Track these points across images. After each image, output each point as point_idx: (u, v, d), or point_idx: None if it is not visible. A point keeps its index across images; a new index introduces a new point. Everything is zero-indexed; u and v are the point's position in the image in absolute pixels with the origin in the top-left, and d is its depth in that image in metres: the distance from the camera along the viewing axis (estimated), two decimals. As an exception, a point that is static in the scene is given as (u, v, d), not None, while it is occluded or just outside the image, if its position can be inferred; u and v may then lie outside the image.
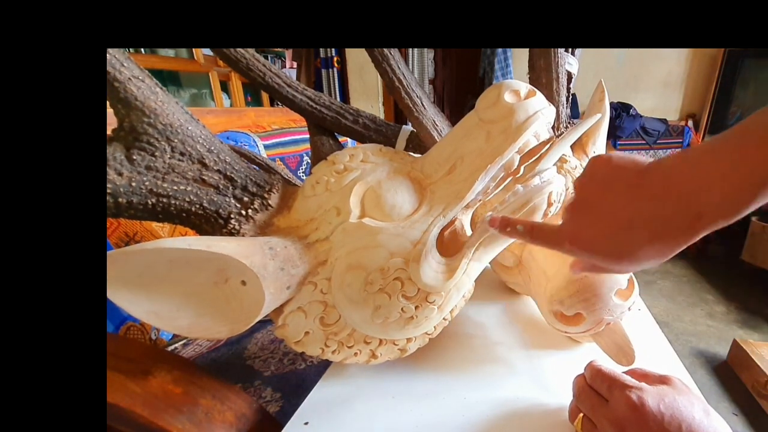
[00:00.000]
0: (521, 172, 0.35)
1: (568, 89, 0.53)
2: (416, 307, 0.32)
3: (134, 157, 0.28)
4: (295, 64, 2.54)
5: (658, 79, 2.35)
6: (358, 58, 2.38)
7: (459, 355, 0.42)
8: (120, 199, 0.28)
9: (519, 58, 2.27)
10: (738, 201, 0.19)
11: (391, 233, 0.31)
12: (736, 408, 1.10)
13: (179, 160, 0.30)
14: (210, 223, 0.33)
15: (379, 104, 2.51)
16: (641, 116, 2.25)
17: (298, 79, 2.38)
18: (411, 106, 0.44)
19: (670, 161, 0.21)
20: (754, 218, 1.77)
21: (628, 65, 2.35)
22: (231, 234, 0.33)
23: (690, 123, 2.32)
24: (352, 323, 0.33)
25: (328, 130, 0.46)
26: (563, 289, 0.37)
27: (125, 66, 0.28)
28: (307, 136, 0.47)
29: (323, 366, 0.41)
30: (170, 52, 1.86)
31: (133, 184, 0.28)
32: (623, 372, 0.30)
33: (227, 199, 0.33)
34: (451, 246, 0.35)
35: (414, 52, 2.38)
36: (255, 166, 0.37)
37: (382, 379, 0.38)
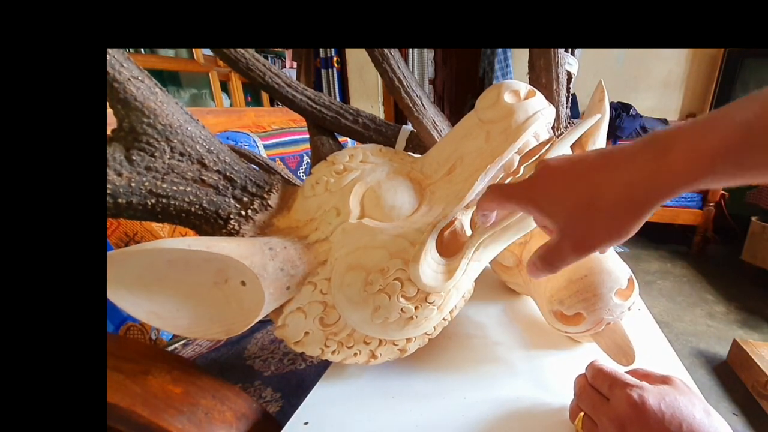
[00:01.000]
0: (521, 172, 0.35)
1: (568, 89, 0.53)
2: (416, 308, 0.32)
3: (134, 158, 0.28)
4: (295, 64, 2.54)
5: (658, 79, 2.35)
6: (358, 58, 2.38)
7: (459, 355, 0.42)
8: (119, 200, 0.28)
9: (519, 58, 2.27)
10: (697, 169, 0.19)
11: (391, 233, 0.31)
12: (736, 408, 1.10)
13: (179, 160, 0.30)
14: (210, 223, 0.33)
15: (379, 104, 2.51)
16: (641, 116, 2.25)
17: (298, 79, 2.38)
18: (411, 106, 0.45)
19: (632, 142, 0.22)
20: (754, 218, 1.77)
21: (628, 65, 2.35)
22: (231, 234, 0.33)
23: (690, 123, 2.31)
24: (351, 323, 0.33)
25: (328, 130, 0.46)
26: (563, 288, 0.37)
27: (125, 66, 0.28)
28: (307, 136, 0.47)
29: (323, 366, 0.41)
30: (170, 52, 1.86)
31: (133, 184, 0.28)
32: (624, 372, 0.30)
33: (227, 200, 0.33)
34: (450, 246, 0.35)
35: (414, 52, 2.38)
36: (255, 166, 0.37)
37: (382, 379, 0.38)
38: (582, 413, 0.30)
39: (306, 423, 0.33)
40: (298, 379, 0.56)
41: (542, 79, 0.51)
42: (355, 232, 0.31)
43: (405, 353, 0.37)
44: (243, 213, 0.33)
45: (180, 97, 2.01)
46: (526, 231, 0.34)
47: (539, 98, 0.33)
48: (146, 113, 0.29)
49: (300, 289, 0.32)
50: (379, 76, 0.45)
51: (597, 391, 0.29)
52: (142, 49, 1.72)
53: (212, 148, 0.32)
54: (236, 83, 2.17)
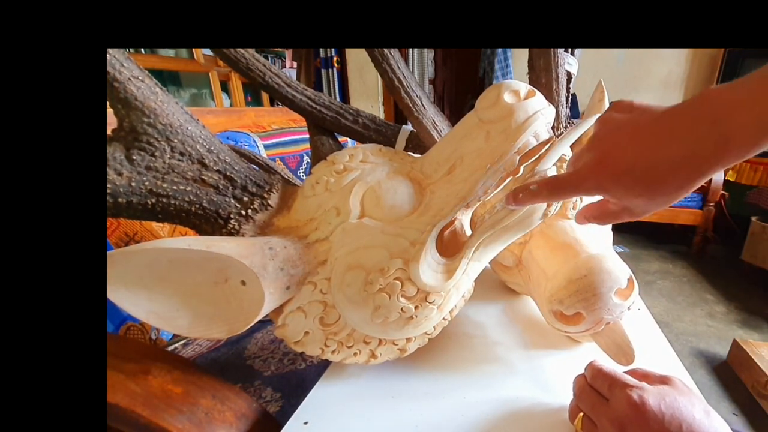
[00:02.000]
0: (521, 172, 0.35)
1: (568, 89, 0.53)
2: (416, 307, 0.32)
3: (134, 157, 0.28)
4: (295, 64, 2.54)
5: (658, 79, 2.34)
6: (358, 58, 2.38)
7: (459, 355, 0.42)
8: (120, 199, 0.28)
9: (519, 58, 2.27)
10: (760, 140, 0.19)
11: (391, 233, 0.31)
12: (736, 408, 1.10)
13: (179, 160, 0.30)
14: (210, 223, 0.33)
15: (379, 104, 2.51)
16: (641, 116, 2.24)
17: (298, 79, 2.39)
18: (411, 106, 0.45)
19: (702, 91, 0.21)
20: (754, 218, 1.77)
21: (628, 65, 2.35)
22: (231, 234, 0.33)
23: (690, 123, 2.31)
24: (351, 323, 0.33)
25: (327, 130, 0.46)
26: (563, 288, 0.37)
27: (125, 66, 0.28)
28: (307, 136, 0.47)
29: (323, 366, 0.41)
30: (170, 52, 1.86)
31: (133, 184, 0.28)
32: (624, 372, 0.30)
33: (227, 199, 0.33)
34: (450, 246, 0.35)
35: (414, 52, 2.38)
36: (255, 166, 0.37)
37: (382, 379, 0.38)
38: (581, 413, 0.30)
39: (306, 423, 0.33)
40: (298, 379, 0.56)
41: (542, 79, 0.51)
42: (355, 231, 0.31)
43: (405, 353, 0.37)
44: (243, 213, 0.33)
45: (180, 97, 2.01)
46: (526, 231, 0.34)
47: (539, 98, 0.33)
48: (146, 113, 0.29)
49: (300, 288, 0.32)
50: (379, 76, 0.45)
51: (596, 391, 0.29)
52: (142, 49, 1.72)
53: (212, 148, 0.32)
54: (236, 83, 2.17)
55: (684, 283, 1.84)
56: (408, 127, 0.47)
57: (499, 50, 2.27)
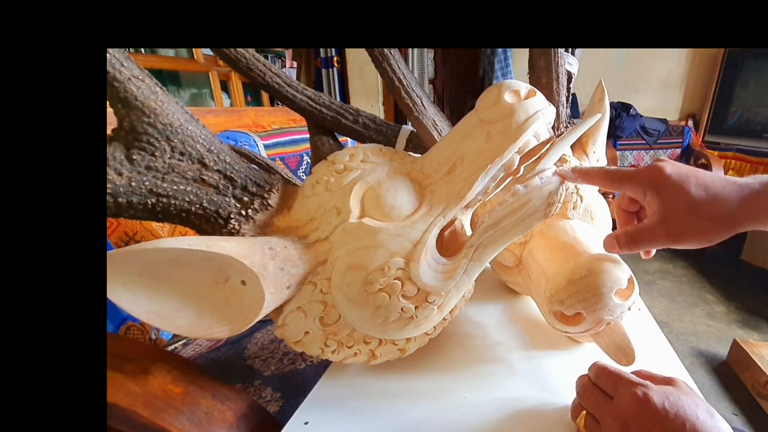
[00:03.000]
0: (521, 172, 0.35)
1: (568, 89, 0.53)
2: (416, 308, 0.32)
3: (134, 157, 0.28)
4: (295, 64, 2.54)
5: (658, 79, 2.34)
6: (358, 58, 2.38)
7: (459, 355, 0.42)
8: (120, 199, 0.28)
9: (519, 58, 2.27)
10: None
11: (391, 233, 0.31)
12: (736, 408, 1.10)
13: (179, 159, 0.30)
14: (210, 223, 0.33)
15: (379, 104, 2.51)
16: (641, 116, 2.24)
17: (298, 79, 2.38)
18: (411, 105, 0.44)
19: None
20: (754, 218, 1.77)
21: (628, 65, 2.35)
22: (231, 234, 0.33)
23: (690, 123, 2.32)
24: (351, 323, 0.33)
25: (328, 129, 0.46)
26: (563, 289, 0.37)
27: (125, 66, 0.28)
28: (307, 135, 0.47)
29: (323, 366, 0.41)
30: (170, 52, 1.86)
31: (133, 183, 0.28)
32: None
33: (227, 199, 0.33)
34: (451, 246, 0.35)
35: (414, 52, 2.38)
36: (255, 166, 0.37)
37: (382, 379, 0.38)
38: (584, 412, 0.30)
39: (306, 423, 0.33)
40: (298, 379, 0.56)
41: (542, 79, 0.51)
42: (355, 231, 0.31)
43: (405, 353, 0.37)
44: (243, 212, 0.33)
45: (180, 97, 2.01)
46: (526, 231, 0.34)
47: (539, 98, 0.33)
48: (146, 113, 0.29)
49: (300, 288, 0.32)
50: (379, 76, 0.45)
51: (600, 389, 0.29)
52: (142, 49, 1.72)
53: (212, 148, 0.32)
54: (236, 83, 2.17)
55: (684, 283, 1.84)
56: (408, 127, 0.47)
57: (499, 50, 2.26)
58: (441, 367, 0.40)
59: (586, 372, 0.32)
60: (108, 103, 0.28)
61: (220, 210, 0.32)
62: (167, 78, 2.01)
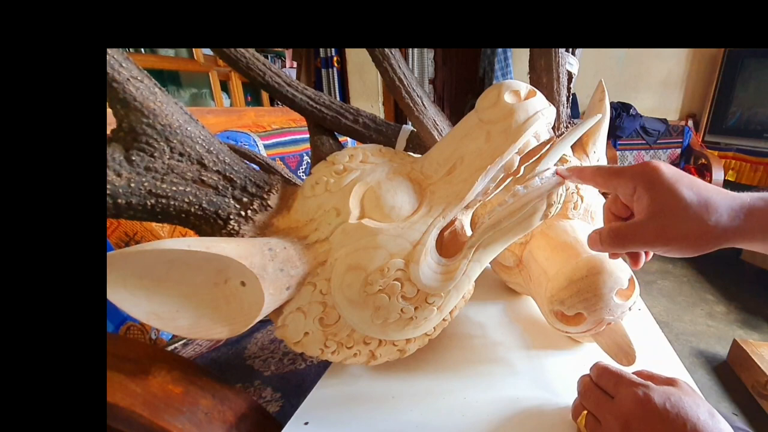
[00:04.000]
0: (521, 172, 0.35)
1: (569, 89, 0.53)
2: (416, 308, 0.32)
3: (133, 158, 0.28)
4: (295, 64, 2.54)
5: (658, 79, 2.34)
6: (358, 58, 2.38)
7: (459, 355, 0.42)
8: (119, 200, 0.28)
9: (519, 58, 2.27)
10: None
11: (391, 234, 0.31)
12: (736, 408, 1.10)
13: (178, 160, 0.30)
14: (209, 223, 0.33)
15: (379, 104, 2.51)
16: (641, 116, 2.24)
17: (298, 78, 2.38)
18: (411, 105, 0.44)
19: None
20: (754, 218, 1.77)
21: (628, 65, 2.35)
22: (230, 235, 0.33)
23: (690, 123, 2.32)
24: (351, 324, 0.33)
25: (328, 129, 0.45)
26: (564, 289, 0.37)
27: (124, 66, 0.28)
28: (307, 135, 0.47)
29: (323, 366, 0.41)
30: (170, 52, 1.86)
31: (132, 185, 0.28)
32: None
33: (226, 200, 0.33)
34: (450, 247, 0.35)
35: (414, 52, 2.38)
36: (254, 166, 0.37)
37: (382, 379, 0.38)
38: (585, 411, 0.30)
39: (306, 423, 0.33)
40: (298, 379, 0.56)
41: (543, 79, 0.51)
42: (354, 232, 0.31)
43: (405, 354, 0.37)
44: (243, 213, 0.33)
45: (180, 97, 2.01)
46: (526, 231, 0.34)
47: (540, 98, 0.33)
48: (146, 113, 0.29)
49: (300, 289, 0.32)
50: (379, 76, 0.45)
51: (601, 389, 0.29)
52: (142, 49, 1.72)
53: (212, 148, 0.32)
54: (236, 83, 2.17)
55: (684, 283, 1.83)
56: (408, 127, 0.47)
57: (499, 50, 2.26)
58: (441, 367, 0.40)
59: (586, 372, 0.32)
60: (107, 103, 0.28)
61: (220, 211, 0.32)
62: (167, 78, 2.01)
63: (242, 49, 0.40)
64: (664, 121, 2.29)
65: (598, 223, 0.45)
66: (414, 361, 0.40)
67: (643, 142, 2.28)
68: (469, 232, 0.37)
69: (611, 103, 2.10)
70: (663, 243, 0.27)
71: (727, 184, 2.02)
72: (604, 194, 0.50)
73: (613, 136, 2.22)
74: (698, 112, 2.34)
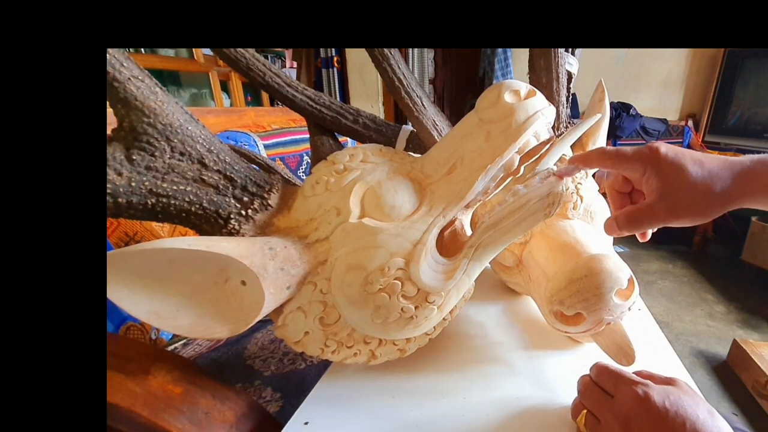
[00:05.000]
0: (521, 172, 0.35)
1: (569, 89, 0.53)
2: (416, 308, 0.32)
3: (134, 157, 0.28)
4: (295, 64, 2.54)
5: (658, 79, 2.34)
6: (358, 58, 2.38)
7: (459, 355, 0.42)
8: (119, 199, 0.28)
9: (519, 58, 2.27)
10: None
11: (391, 233, 0.31)
12: (736, 408, 1.10)
13: (179, 160, 0.30)
14: (210, 223, 0.33)
15: (379, 104, 2.51)
16: (641, 116, 2.24)
17: (298, 79, 2.38)
18: (411, 105, 0.44)
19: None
20: (754, 218, 1.77)
21: (628, 65, 2.35)
22: (231, 234, 0.33)
23: (690, 123, 2.32)
24: (351, 323, 0.33)
25: (328, 129, 0.46)
26: (564, 289, 0.37)
27: (125, 66, 0.28)
28: (307, 135, 0.47)
29: (323, 366, 0.41)
30: (170, 52, 1.86)
31: (133, 184, 0.28)
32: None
33: (227, 199, 0.33)
34: (451, 246, 0.35)
35: (414, 52, 2.38)
36: (255, 166, 0.37)
37: (382, 379, 0.38)
38: (585, 411, 0.30)
39: (306, 423, 0.33)
40: (298, 379, 0.56)
41: (543, 79, 0.51)
42: (355, 231, 0.31)
43: (405, 353, 0.37)
44: (243, 213, 0.33)
45: (180, 97, 2.01)
46: (526, 231, 0.34)
47: (539, 98, 0.33)
48: (146, 113, 0.29)
49: (300, 288, 0.32)
50: (379, 76, 0.45)
51: (601, 388, 0.29)
52: (142, 49, 1.72)
53: (212, 148, 0.32)
54: (236, 83, 2.17)
55: (684, 283, 1.83)
56: (408, 127, 0.47)
57: (499, 50, 2.26)
58: (441, 367, 0.40)
59: (586, 372, 0.32)
60: (108, 103, 0.28)
61: (220, 210, 0.32)
62: (167, 78, 2.01)
63: (242, 50, 0.40)
64: (664, 121, 2.29)
65: (598, 223, 0.45)
66: (414, 361, 0.40)
67: (643, 142, 2.26)
68: (469, 232, 0.37)
69: (611, 103, 2.10)
70: (675, 218, 0.28)
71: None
72: (603, 194, 0.50)
73: (613, 136, 2.22)
74: (698, 112, 2.34)
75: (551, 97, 0.51)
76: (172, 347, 0.61)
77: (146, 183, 0.29)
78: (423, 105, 0.45)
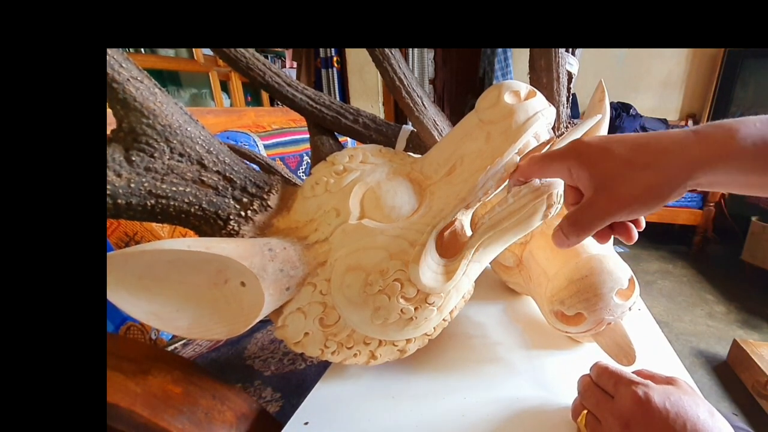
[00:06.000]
0: (521, 172, 0.35)
1: (569, 89, 0.53)
2: (416, 309, 0.32)
3: (133, 158, 0.28)
4: (295, 64, 2.54)
5: (658, 79, 2.34)
6: (358, 58, 2.38)
7: (459, 355, 0.42)
8: (119, 201, 0.28)
9: (519, 58, 2.27)
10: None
11: (391, 234, 0.31)
12: (736, 408, 1.10)
13: (178, 161, 0.30)
14: (209, 224, 0.33)
15: (379, 104, 2.51)
16: (641, 116, 2.25)
17: (298, 78, 2.38)
18: (411, 105, 0.44)
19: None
20: (754, 218, 1.77)
21: (628, 65, 2.35)
22: (230, 235, 0.33)
23: (690, 123, 2.32)
24: (351, 324, 0.33)
25: (328, 129, 0.45)
26: (564, 289, 0.37)
27: (124, 66, 0.28)
28: (307, 135, 0.47)
29: (323, 366, 0.41)
30: (170, 52, 1.86)
31: (132, 185, 0.28)
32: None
33: (226, 200, 0.33)
34: (450, 247, 0.35)
35: (414, 52, 2.38)
36: (254, 167, 0.37)
37: (382, 379, 0.38)
38: (585, 411, 0.30)
39: (306, 423, 0.33)
40: (298, 379, 0.56)
41: (543, 79, 0.51)
42: (354, 232, 0.31)
43: (405, 354, 0.37)
44: (242, 214, 0.33)
45: (180, 97, 2.01)
46: (526, 232, 0.34)
47: (540, 98, 0.33)
48: (145, 114, 0.29)
49: (300, 289, 0.32)
50: (379, 76, 0.45)
51: (601, 389, 0.29)
52: (142, 49, 1.72)
53: (212, 149, 0.32)
54: (236, 83, 2.17)
55: (684, 283, 1.84)
56: (408, 127, 0.47)
57: (499, 50, 2.26)
58: (441, 367, 0.40)
59: (586, 372, 0.32)
60: (107, 104, 0.28)
61: (220, 211, 0.32)
62: (167, 78, 2.01)
63: (242, 49, 0.40)
64: (664, 121, 2.29)
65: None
66: (414, 361, 0.40)
67: (643, 142, 2.27)
68: (469, 233, 0.37)
69: (611, 103, 2.10)
70: (621, 210, 0.25)
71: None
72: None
73: (613, 136, 2.22)
74: (698, 112, 2.34)
75: (551, 97, 0.51)
76: (172, 347, 0.61)
77: (145, 184, 0.29)
78: (423, 105, 0.45)
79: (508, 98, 0.32)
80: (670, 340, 0.43)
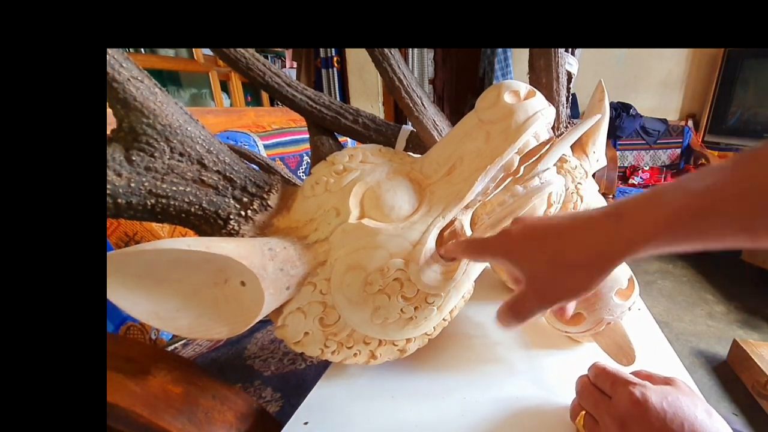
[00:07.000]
0: (521, 172, 0.35)
1: (568, 89, 0.53)
2: (415, 308, 0.32)
3: (133, 158, 0.28)
4: (295, 64, 2.54)
5: (658, 79, 2.35)
6: (358, 58, 2.38)
7: (459, 355, 0.42)
8: (119, 200, 0.28)
9: (519, 58, 2.27)
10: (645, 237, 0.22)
11: (391, 234, 0.31)
12: (736, 408, 1.10)
13: (178, 160, 0.30)
14: (209, 223, 0.33)
15: (379, 104, 2.51)
16: (641, 116, 2.25)
17: (298, 79, 2.38)
18: (411, 105, 0.44)
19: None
20: (754, 218, 1.77)
21: (628, 65, 2.35)
22: (230, 235, 0.33)
23: (690, 123, 2.32)
24: (351, 324, 0.33)
25: (327, 129, 0.46)
26: (563, 289, 0.36)
27: (124, 66, 0.28)
28: (307, 135, 0.47)
29: (323, 366, 0.41)
30: (170, 52, 1.86)
31: (132, 184, 0.28)
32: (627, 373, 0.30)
33: (226, 200, 0.33)
34: (450, 246, 0.35)
35: (414, 52, 2.38)
36: (254, 166, 0.37)
37: (382, 379, 0.38)
38: (583, 412, 0.30)
39: (306, 423, 0.33)
40: (298, 379, 0.56)
41: (542, 79, 0.51)
42: (354, 232, 0.31)
43: (405, 353, 0.37)
44: (243, 213, 0.33)
45: (180, 97, 2.01)
46: (526, 231, 0.33)
47: (539, 98, 0.33)
48: (146, 113, 0.29)
49: (300, 289, 0.32)
50: (379, 76, 0.45)
51: (599, 389, 0.29)
52: (142, 49, 1.72)
53: (212, 149, 0.32)
54: (236, 83, 2.17)
55: (684, 283, 1.84)
56: (408, 127, 0.47)
57: (499, 50, 2.26)
58: (441, 367, 0.40)
59: (586, 372, 0.32)
60: (107, 103, 0.28)
61: (220, 211, 0.32)
62: (167, 78, 2.02)
63: (242, 50, 0.40)
64: (664, 121, 2.29)
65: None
66: (414, 361, 0.40)
67: (643, 142, 2.28)
68: (469, 232, 0.37)
69: (611, 103, 2.11)
70: (550, 304, 0.26)
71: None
72: (603, 194, 0.50)
73: (613, 136, 2.23)
74: (698, 112, 2.34)
75: (551, 97, 0.51)
76: (172, 347, 0.61)
77: (146, 184, 0.29)
78: (423, 105, 0.45)
79: (507, 98, 0.32)
80: (670, 340, 0.43)
